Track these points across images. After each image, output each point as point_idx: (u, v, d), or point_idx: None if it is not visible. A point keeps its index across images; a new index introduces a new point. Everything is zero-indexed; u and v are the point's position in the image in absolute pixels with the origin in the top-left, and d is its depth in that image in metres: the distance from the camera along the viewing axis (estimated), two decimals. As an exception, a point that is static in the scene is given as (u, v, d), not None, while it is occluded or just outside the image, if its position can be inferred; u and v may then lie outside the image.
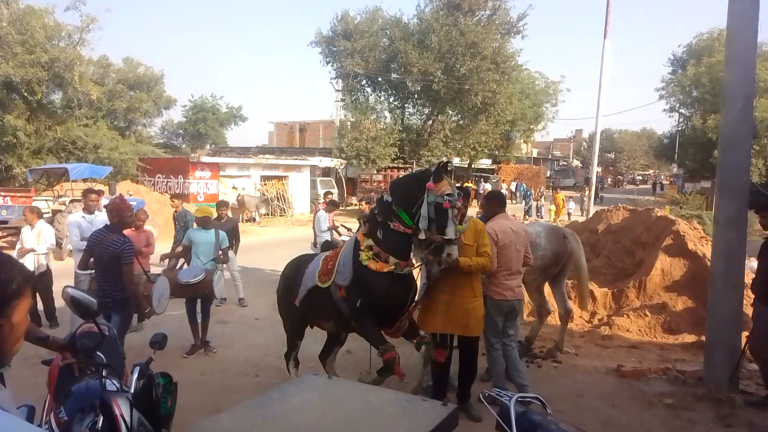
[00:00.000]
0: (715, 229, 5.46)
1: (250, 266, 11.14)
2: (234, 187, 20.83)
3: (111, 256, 4.87)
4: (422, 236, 3.89)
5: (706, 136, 28.05)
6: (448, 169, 3.99)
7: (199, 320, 6.47)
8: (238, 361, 6.16)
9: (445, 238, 3.76)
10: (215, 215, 8.61)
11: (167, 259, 7.23)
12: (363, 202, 11.63)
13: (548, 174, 49.94)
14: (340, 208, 22.71)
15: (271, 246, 15.08)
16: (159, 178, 20.11)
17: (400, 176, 4.68)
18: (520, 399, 2.75)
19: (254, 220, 19.97)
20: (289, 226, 19.98)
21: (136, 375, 2.67)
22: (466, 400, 4.61)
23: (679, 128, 34.46)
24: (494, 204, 5.23)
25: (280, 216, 21.69)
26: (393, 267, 3.90)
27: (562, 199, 23.16)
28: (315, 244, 10.30)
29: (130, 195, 16.08)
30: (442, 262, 3.89)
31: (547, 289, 6.72)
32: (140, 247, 6.56)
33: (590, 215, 15.05)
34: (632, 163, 68.10)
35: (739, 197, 5.33)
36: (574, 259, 6.35)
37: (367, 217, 4.26)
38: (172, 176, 19.71)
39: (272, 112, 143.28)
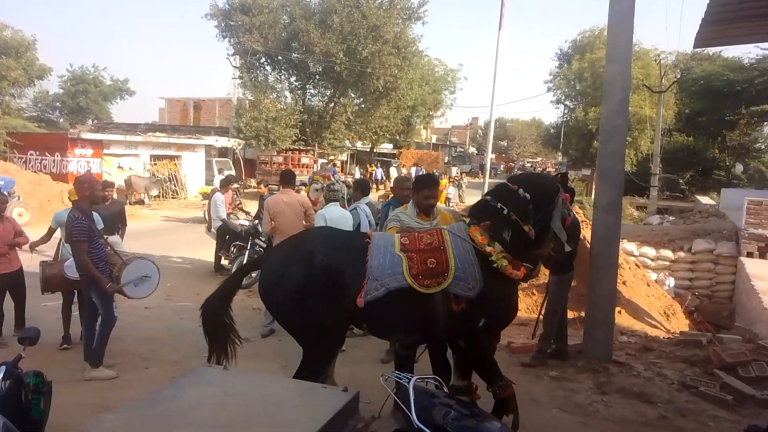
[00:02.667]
0: (595, 214, 5.88)
1: (140, 252, 10.44)
2: (120, 167, 19.37)
3: (69, 233, 4.89)
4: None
5: (587, 127, 30.37)
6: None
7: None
8: (126, 355, 5.75)
9: (552, 254, 3.56)
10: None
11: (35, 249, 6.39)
12: (262, 185, 11.21)
13: (446, 160, 51.61)
14: (240, 191, 21.94)
15: (163, 231, 14.25)
16: (32, 155, 18.15)
17: (530, 173, 4.10)
18: (418, 380, 2.81)
19: (143, 202, 18.73)
20: (183, 209, 18.97)
21: (1, 375, 2.38)
22: None
23: (564, 119, 36.98)
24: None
25: (173, 198, 20.51)
26: (524, 274, 3.33)
27: (444, 185, 24.05)
28: (209, 228, 9.87)
29: (-5, 173, 14.45)
30: (529, 276, 3.55)
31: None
32: (10, 239, 5.93)
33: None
34: (522, 150, 72.14)
35: (616, 184, 5.80)
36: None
37: (481, 209, 3.48)
38: (47, 153, 17.86)
39: (163, 87, 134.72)
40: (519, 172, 43.95)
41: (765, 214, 10.92)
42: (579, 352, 6.01)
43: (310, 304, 3.22)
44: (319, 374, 3.26)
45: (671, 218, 17.62)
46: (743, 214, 11.21)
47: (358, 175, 27.91)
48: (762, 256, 10.87)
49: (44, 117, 33.78)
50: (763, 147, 30.65)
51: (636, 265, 9.56)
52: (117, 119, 34.52)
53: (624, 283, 8.19)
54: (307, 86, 28.37)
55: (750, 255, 10.87)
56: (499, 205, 3.35)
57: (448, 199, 23.14)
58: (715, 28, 4.96)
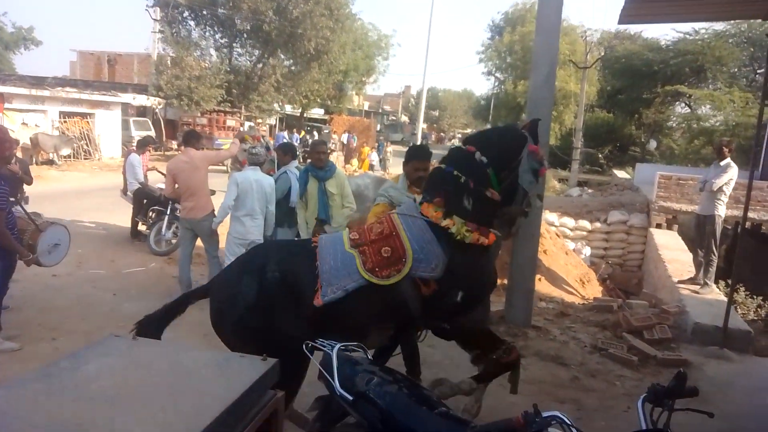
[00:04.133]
0: (521, 184, 6.00)
1: (48, 217, 9.66)
2: (25, 123, 17.77)
3: None
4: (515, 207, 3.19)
5: (515, 100, 31.06)
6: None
7: None
8: (31, 326, 5.34)
9: (526, 209, 3.24)
10: None
11: None
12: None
13: (378, 128, 51.42)
14: (158, 152, 20.82)
15: (74, 194, 13.27)
16: None
17: (483, 130, 3.63)
18: (342, 348, 2.74)
19: (52, 162, 17.37)
20: (96, 171, 17.78)
21: None
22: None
23: (495, 91, 37.65)
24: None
25: (85, 159, 19.16)
26: (495, 237, 3.08)
27: (367, 152, 24.08)
28: (125, 192, 9.28)
29: None
30: (508, 235, 3.30)
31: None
32: None
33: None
34: (453, 121, 73.14)
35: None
36: (399, 209, 6.61)
37: (437, 179, 3.22)
38: (-62, 106, 16.09)
39: (75, 39, 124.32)
40: (448, 143, 44.68)
41: (673, 188, 11.67)
42: (501, 317, 6.20)
43: (269, 320, 2.91)
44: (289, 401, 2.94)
45: (590, 191, 18.50)
46: (654, 188, 11.91)
47: (284, 139, 27.25)
48: (669, 227, 11.65)
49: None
50: (674, 125, 32.63)
51: (556, 234, 9.97)
52: (21, 71, 31.60)
53: (545, 251, 8.52)
54: (234, 45, 27.08)
55: (659, 226, 11.62)
56: (455, 172, 3.11)
57: (371, 166, 23.12)
58: (640, 4, 5.09)
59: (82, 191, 13.90)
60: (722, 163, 6.95)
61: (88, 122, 19.88)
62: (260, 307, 2.92)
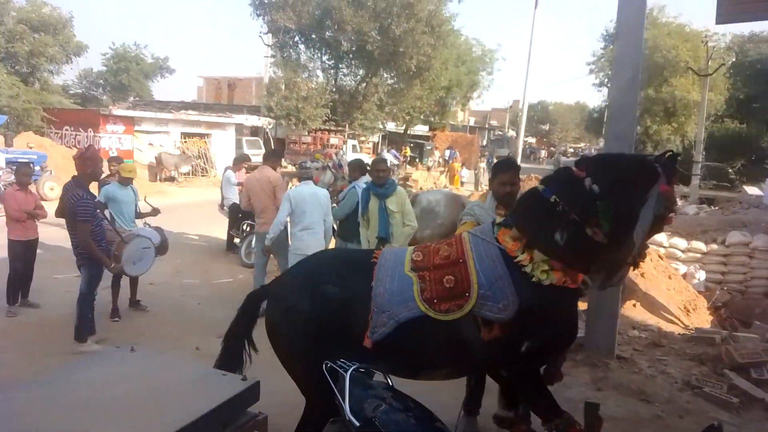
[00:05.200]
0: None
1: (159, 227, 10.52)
2: (151, 144, 19.75)
3: (70, 210, 4.86)
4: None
5: (629, 111, 29.09)
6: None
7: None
8: (121, 330, 5.77)
9: (639, 259, 2.63)
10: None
11: None
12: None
13: (483, 143, 50.67)
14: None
15: (187, 208, 14.42)
16: (67, 130, 18.69)
17: (605, 154, 3.01)
18: (359, 369, 2.64)
19: (173, 179, 19.07)
20: (211, 187, 19.23)
21: None
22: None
23: (608, 103, 35.57)
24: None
25: (202, 176, 20.82)
26: (582, 284, 2.63)
27: (458, 168, 23.21)
28: (222, 206, 9.89)
29: (30, 148, 14.92)
30: (604, 285, 2.72)
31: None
32: (30, 209, 6.18)
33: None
34: (564, 135, 70.20)
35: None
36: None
37: (527, 201, 2.76)
38: (81, 129, 18.36)
39: (201, 65, 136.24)
40: (561, 157, 42.74)
41: (807, 206, 10.17)
42: (580, 345, 5.71)
43: (317, 345, 2.64)
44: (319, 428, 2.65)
45: (708, 208, 16.72)
46: (783, 205, 10.47)
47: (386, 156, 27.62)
48: (801, 250, 10.13)
49: (88, 94, 34.74)
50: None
51: (659, 256, 9.07)
52: (158, 97, 35.29)
53: (642, 275, 7.77)
54: (339, 65, 28.18)
55: (788, 249, 10.16)
56: (553, 198, 2.57)
57: (462, 183, 22.66)
58: (730, 2, 4.52)
59: (195, 205, 15.08)
60: None
61: (205, 142, 21.62)
62: (318, 326, 2.66)
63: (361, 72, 27.97)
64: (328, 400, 2.46)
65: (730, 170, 29.89)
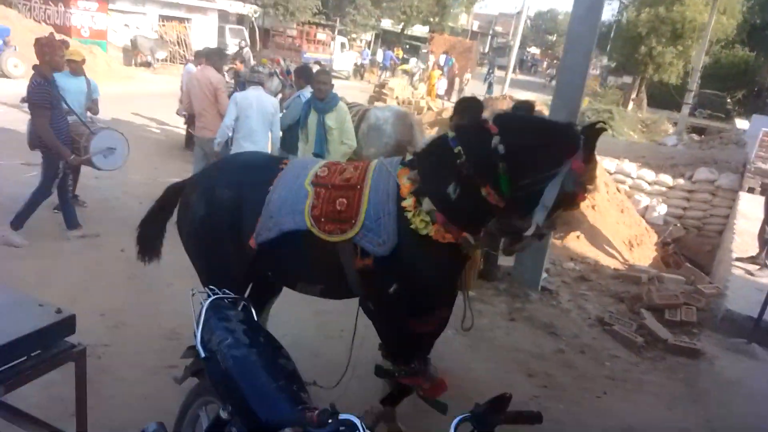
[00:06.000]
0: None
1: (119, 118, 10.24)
2: (126, 25, 18.73)
3: (28, 97, 4.80)
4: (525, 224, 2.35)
5: (636, 29, 27.75)
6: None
7: None
8: (49, 223, 5.66)
9: (543, 232, 2.41)
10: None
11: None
12: (237, 61, 10.51)
13: (486, 50, 48.67)
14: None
15: (160, 96, 13.82)
16: (36, 3, 17.56)
17: (530, 115, 2.66)
18: (221, 299, 2.63)
19: (149, 65, 18.31)
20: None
21: None
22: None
23: (617, 18, 33.83)
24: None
25: (181, 64, 19.96)
26: (462, 242, 2.52)
27: (436, 78, 21.21)
28: (181, 101, 9.53)
29: (-8, 19, 14.11)
30: (506, 250, 2.59)
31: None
32: None
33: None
34: (571, 48, 67.34)
35: (573, 103, 5.19)
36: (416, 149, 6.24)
37: (435, 146, 2.64)
38: (51, 3, 17.25)
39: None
40: (553, 72, 41.07)
41: (778, 148, 10.02)
42: (507, 274, 5.81)
43: (211, 244, 2.84)
44: None
45: (694, 139, 16.46)
46: (756, 145, 10.30)
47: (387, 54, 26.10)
48: (764, 193, 10.12)
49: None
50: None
51: (617, 189, 9.03)
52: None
53: (593, 207, 7.78)
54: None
55: (751, 191, 10.15)
56: (457, 149, 2.46)
57: (439, 96, 21.12)
58: None
59: (168, 95, 14.49)
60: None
61: (185, 27, 20.52)
62: (209, 226, 2.81)
63: (357, -39, 26.14)
64: (234, 287, 2.67)
65: (729, 100, 29.15)
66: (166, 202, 3.10)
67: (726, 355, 4.85)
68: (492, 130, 2.40)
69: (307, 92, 5.83)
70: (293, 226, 2.61)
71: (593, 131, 2.29)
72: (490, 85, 24.32)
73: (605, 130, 2.35)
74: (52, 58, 4.87)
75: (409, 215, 2.50)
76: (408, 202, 2.51)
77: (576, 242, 7.28)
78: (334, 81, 5.68)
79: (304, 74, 5.99)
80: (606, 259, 7.27)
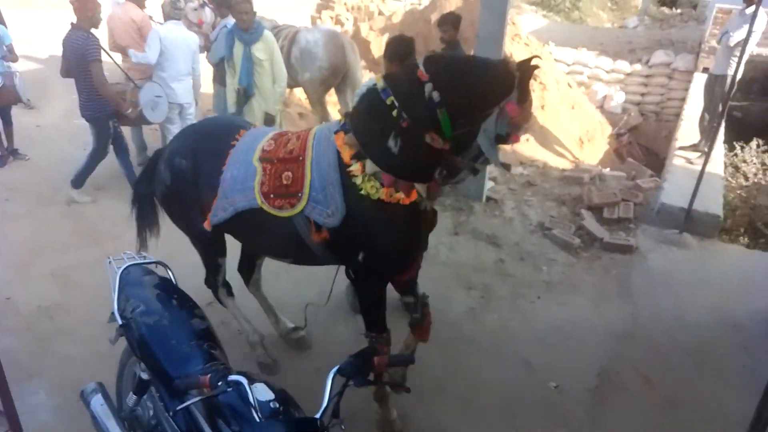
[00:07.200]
0: (476, 47, 5.30)
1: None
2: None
3: (78, 53, 4.72)
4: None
5: None
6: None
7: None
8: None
9: (478, 167, 2.41)
10: None
11: None
12: None
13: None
14: None
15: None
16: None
17: (459, 57, 2.70)
18: (136, 266, 2.72)
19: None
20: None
21: None
22: None
23: None
24: None
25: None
26: (418, 197, 2.45)
27: None
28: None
29: None
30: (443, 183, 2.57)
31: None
32: None
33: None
34: None
35: (500, 10, 5.04)
36: (351, 72, 6.10)
37: (366, 102, 2.47)
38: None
39: None
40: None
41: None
42: (451, 188, 5.91)
43: (181, 211, 3.05)
44: (216, 272, 3.25)
45: (647, 19, 15.99)
46: (709, 23, 10.09)
47: None
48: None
49: None
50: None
51: (569, 84, 8.95)
52: None
53: (542, 107, 7.76)
54: None
55: (706, 71, 10.08)
56: (390, 100, 2.32)
57: None
58: None
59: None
60: (748, 11, 5.66)
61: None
62: (176, 195, 2.97)
63: None
64: (212, 248, 3.13)
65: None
66: (148, 171, 3.25)
67: (659, 248, 5.09)
68: (423, 78, 2.28)
69: (231, 21, 5.58)
70: (246, 204, 2.63)
71: (528, 68, 2.16)
72: None
73: (539, 67, 2.29)
74: (94, 15, 4.85)
75: (358, 181, 2.42)
76: (355, 167, 2.42)
77: (526, 145, 7.35)
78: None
79: (224, 1, 5.68)
80: (556, 160, 7.38)
